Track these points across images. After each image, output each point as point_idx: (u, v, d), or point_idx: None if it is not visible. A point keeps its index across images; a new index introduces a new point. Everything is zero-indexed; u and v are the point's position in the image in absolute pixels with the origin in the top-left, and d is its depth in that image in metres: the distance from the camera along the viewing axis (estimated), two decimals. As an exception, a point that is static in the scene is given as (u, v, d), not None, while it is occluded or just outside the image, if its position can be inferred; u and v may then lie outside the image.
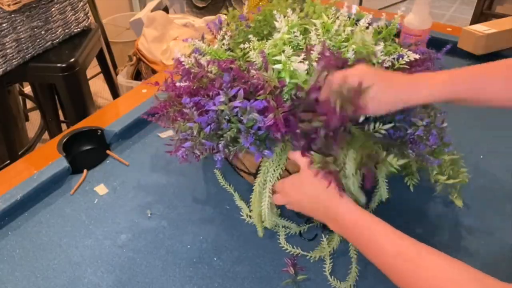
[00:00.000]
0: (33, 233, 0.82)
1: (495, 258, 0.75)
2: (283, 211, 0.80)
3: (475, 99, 0.62)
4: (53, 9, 1.52)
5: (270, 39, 0.77)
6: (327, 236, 0.76)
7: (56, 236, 0.81)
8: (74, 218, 0.84)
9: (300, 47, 0.74)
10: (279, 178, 0.71)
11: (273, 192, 0.72)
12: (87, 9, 1.68)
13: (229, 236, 0.80)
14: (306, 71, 0.68)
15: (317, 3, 0.84)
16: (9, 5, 1.33)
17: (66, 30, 1.61)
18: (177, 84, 0.72)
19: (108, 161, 0.98)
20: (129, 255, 0.77)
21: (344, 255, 0.75)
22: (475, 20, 2.87)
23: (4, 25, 1.38)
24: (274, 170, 0.70)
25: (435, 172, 0.75)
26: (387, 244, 0.57)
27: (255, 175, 0.74)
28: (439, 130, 0.71)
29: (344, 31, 0.75)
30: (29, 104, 2.39)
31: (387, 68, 0.74)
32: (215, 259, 0.76)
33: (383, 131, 0.67)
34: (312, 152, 0.64)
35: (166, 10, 2.42)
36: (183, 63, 0.75)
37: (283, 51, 0.70)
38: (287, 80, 0.68)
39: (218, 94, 0.66)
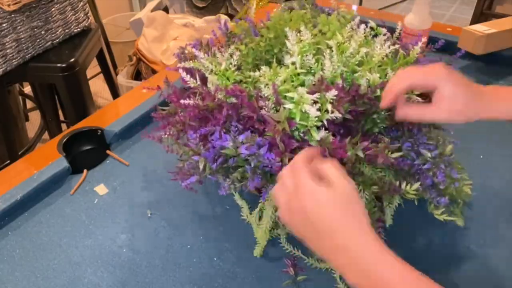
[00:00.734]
0: (33, 233, 0.82)
1: (498, 264, 0.75)
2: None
3: None
4: (53, 9, 1.52)
5: (281, 59, 0.74)
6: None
7: (56, 236, 0.81)
8: (74, 218, 0.84)
9: (312, 71, 0.70)
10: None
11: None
12: (87, 9, 1.68)
13: (229, 236, 0.80)
14: (317, 117, 0.62)
15: (332, 21, 0.77)
16: (9, 5, 1.33)
17: (66, 30, 1.61)
18: (182, 101, 0.70)
19: (108, 161, 0.98)
20: (129, 255, 0.77)
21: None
22: (475, 20, 2.88)
23: (4, 25, 1.38)
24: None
25: (432, 205, 0.72)
26: None
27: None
28: (447, 164, 0.69)
29: (358, 52, 0.69)
30: (29, 104, 2.39)
31: None
32: (215, 259, 0.76)
33: (392, 159, 0.64)
34: None
35: (166, 10, 2.42)
36: (187, 82, 0.73)
37: (296, 87, 0.65)
38: (297, 120, 0.63)
39: (225, 130, 0.66)
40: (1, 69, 1.43)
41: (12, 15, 1.39)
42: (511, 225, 0.80)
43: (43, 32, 1.52)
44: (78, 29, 1.66)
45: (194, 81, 0.73)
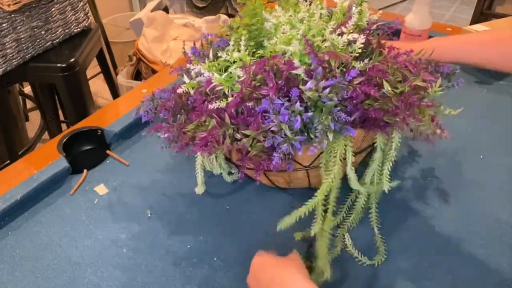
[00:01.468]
0: (33, 233, 0.82)
1: (495, 258, 0.75)
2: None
3: None
4: (53, 9, 1.52)
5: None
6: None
7: (56, 236, 0.81)
8: (74, 218, 0.84)
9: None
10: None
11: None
12: (87, 9, 1.68)
13: (229, 236, 0.80)
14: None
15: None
16: (9, 5, 1.33)
17: (66, 30, 1.61)
18: (218, 104, 0.71)
19: (108, 161, 0.98)
20: (129, 255, 0.77)
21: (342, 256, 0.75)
22: (475, 20, 2.87)
23: (4, 25, 1.38)
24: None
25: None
26: None
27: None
28: None
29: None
30: (29, 104, 2.39)
31: None
32: (215, 259, 0.76)
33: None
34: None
35: (166, 10, 2.42)
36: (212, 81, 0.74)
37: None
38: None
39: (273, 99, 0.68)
40: (1, 69, 1.43)
41: (12, 15, 1.39)
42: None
43: (43, 32, 1.52)
44: (78, 29, 1.66)
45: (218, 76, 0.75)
